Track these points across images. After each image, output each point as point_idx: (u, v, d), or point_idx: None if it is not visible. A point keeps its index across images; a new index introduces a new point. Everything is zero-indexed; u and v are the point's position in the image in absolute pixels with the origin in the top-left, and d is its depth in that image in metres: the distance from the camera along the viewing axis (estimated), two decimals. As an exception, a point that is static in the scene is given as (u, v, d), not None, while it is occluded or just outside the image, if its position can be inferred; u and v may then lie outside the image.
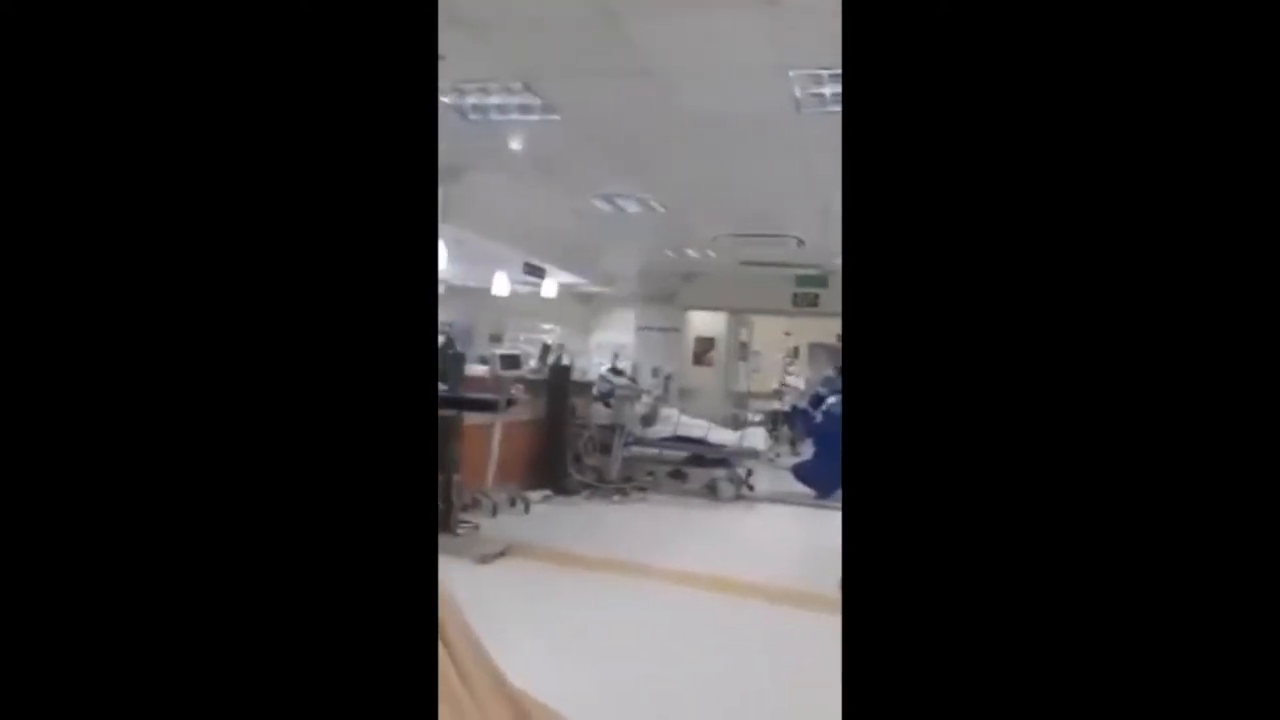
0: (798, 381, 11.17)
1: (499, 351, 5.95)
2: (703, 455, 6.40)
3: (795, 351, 11.86)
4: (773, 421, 9.81)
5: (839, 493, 5.19)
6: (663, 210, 6.55)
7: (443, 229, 6.32)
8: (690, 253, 8.40)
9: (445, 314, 10.16)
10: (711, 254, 8.25)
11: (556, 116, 4.44)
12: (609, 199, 6.36)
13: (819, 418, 6.83)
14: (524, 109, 4.37)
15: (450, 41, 3.53)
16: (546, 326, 10.70)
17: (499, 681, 1.27)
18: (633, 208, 6.51)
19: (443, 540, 4.08)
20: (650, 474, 6.46)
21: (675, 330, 10.13)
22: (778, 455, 8.11)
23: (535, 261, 7.86)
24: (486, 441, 4.76)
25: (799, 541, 5.29)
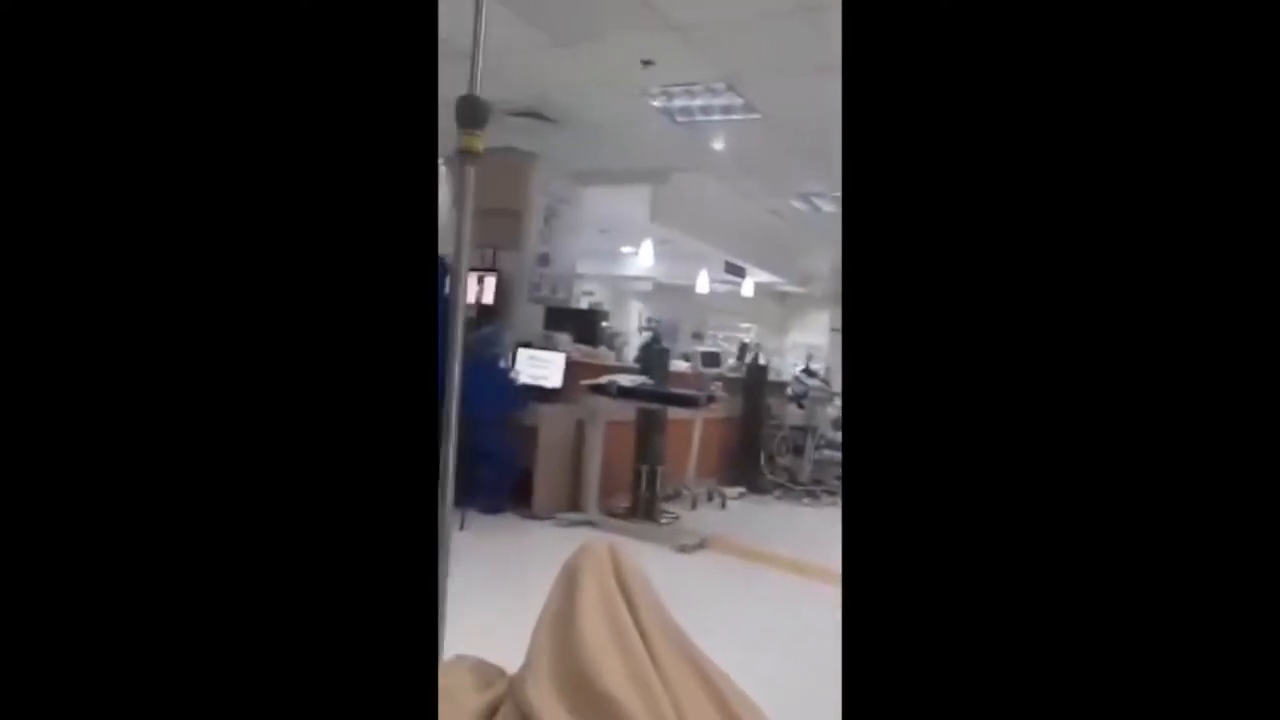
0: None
1: (700, 349, 5.93)
2: (896, 461, 6.05)
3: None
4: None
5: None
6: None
7: (651, 228, 6.41)
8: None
9: (652, 310, 10.38)
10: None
11: (757, 115, 4.34)
12: (805, 198, 6.17)
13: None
14: (726, 109, 4.30)
15: (660, 45, 3.53)
16: (744, 325, 10.61)
17: (694, 662, 1.19)
18: (828, 207, 6.27)
19: (646, 529, 4.10)
20: (839, 478, 6.20)
21: (871, 332, 9.66)
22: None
23: (735, 260, 7.79)
24: (688, 436, 4.74)
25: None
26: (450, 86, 2.81)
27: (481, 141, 1.57)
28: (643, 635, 1.08)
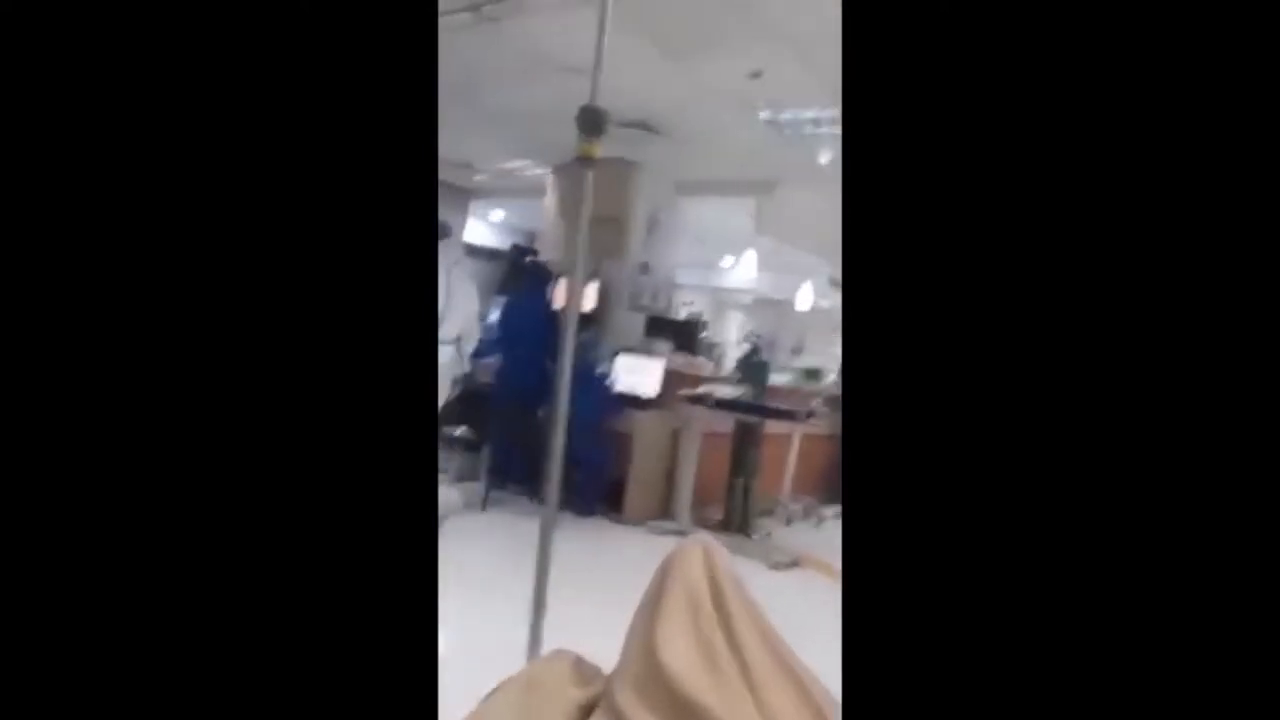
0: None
1: (801, 364, 5.85)
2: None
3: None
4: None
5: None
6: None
7: (756, 240, 6.39)
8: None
9: (753, 323, 10.32)
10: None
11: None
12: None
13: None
14: (835, 122, 4.25)
15: (769, 58, 3.53)
16: (846, 342, 10.38)
17: (790, 670, 1.18)
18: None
19: (738, 542, 4.08)
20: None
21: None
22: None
23: (839, 276, 7.66)
24: (785, 451, 4.69)
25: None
26: (560, 100, 2.89)
27: (599, 149, 1.72)
28: (732, 640, 1.08)
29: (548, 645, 1.37)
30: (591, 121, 1.69)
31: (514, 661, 1.38)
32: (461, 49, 3.91)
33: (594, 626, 1.41)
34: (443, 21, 3.59)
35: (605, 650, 1.13)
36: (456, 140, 5.81)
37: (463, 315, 3.74)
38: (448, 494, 1.19)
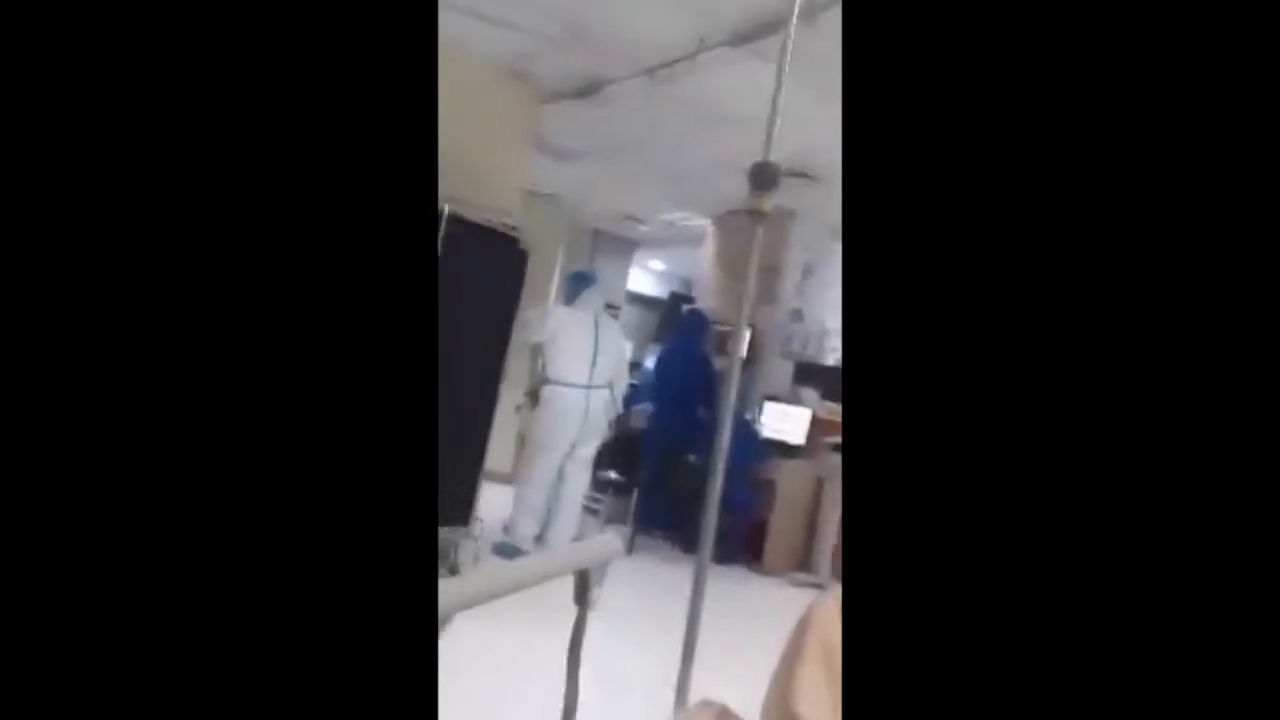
0: None
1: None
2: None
3: None
4: None
5: None
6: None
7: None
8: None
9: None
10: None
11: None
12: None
13: None
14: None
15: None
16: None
17: None
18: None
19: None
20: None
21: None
22: None
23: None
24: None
25: None
26: (722, 153, 2.88)
27: (769, 202, 1.71)
28: (827, 658, 1.04)
29: (694, 695, 1.35)
30: (764, 177, 1.69)
31: (661, 711, 1.37)
32: (634, 111, 4.06)
33: (737, 676, 1.38)
34: (617, 85, 3.74)
35: (749, 701, 1.11)
36: (625, 195, 6.01)
37: (613, 360, 3.84)
38: (611, 539, 1.21)
